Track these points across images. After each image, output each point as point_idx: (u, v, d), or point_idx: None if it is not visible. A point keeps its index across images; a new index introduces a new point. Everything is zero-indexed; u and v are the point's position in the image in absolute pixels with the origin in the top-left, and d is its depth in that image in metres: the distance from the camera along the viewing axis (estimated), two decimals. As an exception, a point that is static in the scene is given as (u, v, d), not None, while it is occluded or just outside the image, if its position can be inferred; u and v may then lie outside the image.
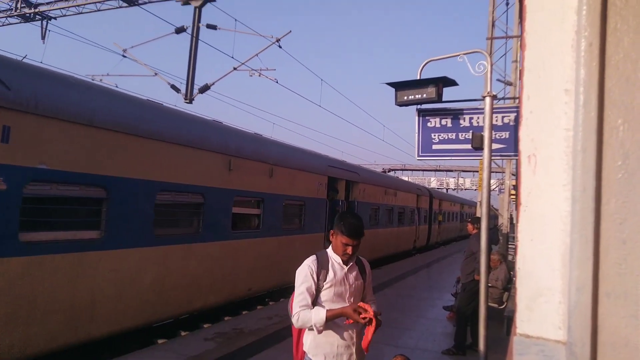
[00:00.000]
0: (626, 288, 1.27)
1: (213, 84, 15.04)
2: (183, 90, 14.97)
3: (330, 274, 3.05)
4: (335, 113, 23.05)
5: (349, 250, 3.03)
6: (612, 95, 1.26)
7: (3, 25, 18.00)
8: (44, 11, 16.73)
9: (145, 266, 6.69)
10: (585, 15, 1.25)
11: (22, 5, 16.82)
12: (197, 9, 14.62)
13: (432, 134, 6.76)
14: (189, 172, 7.54)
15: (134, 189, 6.51)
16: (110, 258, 6.12)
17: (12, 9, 16.99)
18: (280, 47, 14.17)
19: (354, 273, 3.17)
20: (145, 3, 15.32)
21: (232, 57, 14.20)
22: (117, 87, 14.37)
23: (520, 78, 1.42)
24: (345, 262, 3.11)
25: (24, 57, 8.65)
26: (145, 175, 6.71)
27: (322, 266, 3.07)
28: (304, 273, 3.05)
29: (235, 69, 14.88)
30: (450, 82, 6.04)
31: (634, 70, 1.24)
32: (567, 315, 1.32)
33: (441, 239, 30.02)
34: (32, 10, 16.79)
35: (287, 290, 10.04)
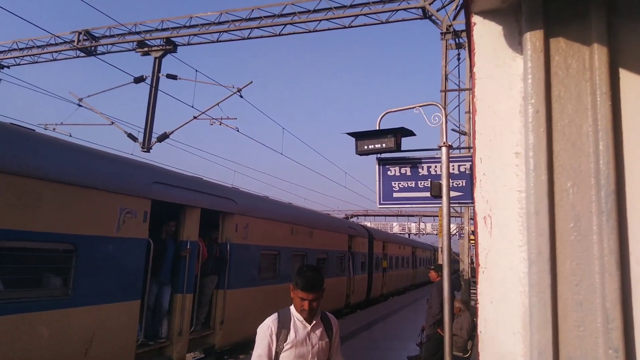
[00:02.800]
0: (586, 351, 1.27)
1: (172, 132, 14.91)
2: (140, 138, 14.74)
3: (292, 334, 2.89)
4: (297, 161, 23.06)
5: (306, 305, 2.89)
6: (560, 160, 1.30)
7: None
8: (-3, 59, 16.37)
9: None
10: (531, 83, 1.30)
11: (-26, 54, 16.42)
12: (157, 60, 14.68)
13: (393, 182, 6.87)
14: None
15: None
16: None
17: (-37, 56, 16.56)
18: (241, 96, 14.32)
19: (318, 331, 3.00)
20: (103, 53, 15.27)
21: (192, 107, 14.21)
22: (70, 136, 13.98)
23: (473, 141, 1.45)
24: (308, 320, 2.95)
25: None
26: None
27: (283, 325, 2.91)
28: (262, 335, 2.90)
29: (195, 117, 14.85)
30: (408, 133, 6.21)
31: (579, 135, 1.29)
32: (531, 381, 1.29)
33: (388, 290, 23.90)
34: (-16, 59, 16.39)
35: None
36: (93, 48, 15.35)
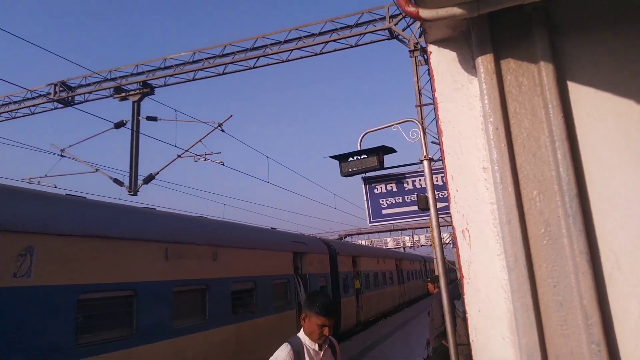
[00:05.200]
0: (571, 348, 1.33)
1: (157, 173, 14.92)
2: (127, 182, 14.71)
3: None
4: (283, 187, 23.14)
5: (326, 331, 2.91)
6: (524, 170, 1.39)
7: None
8: (-26, 119, 16.30)
9: None
10: (488, 103, 1.40)
11: (-50, 115, 16.35)
12: (136, 103, 14.78)
13: (380, 200, 6.97)
14: None
15: None
16: None
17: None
18: (223, 130, 14.43)
19: (328, 357, 3.06)
20: (81, 102, 15.34)
21: (175, 146, 14.26)
22: (56, 187, 13.90)
23: (442, 161, 1.54)
24: (320, 347, 2.98)
25: None
26: None
27: (298, 355, 2.92)
28: None
29: (179, 156, 14.90)
30: (389, 150, 6.33)
31: (538, 146, 1.38)
32: (524, 384, 1.35)
33: (367, 316, 18.81)
34: (-39, 119, 16.32)
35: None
36: (70, 98, 15.42)
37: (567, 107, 1.37)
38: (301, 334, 3.02)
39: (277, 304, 10.88)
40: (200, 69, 14.58)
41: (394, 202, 6.80)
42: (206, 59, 14.40)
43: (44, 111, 15.97)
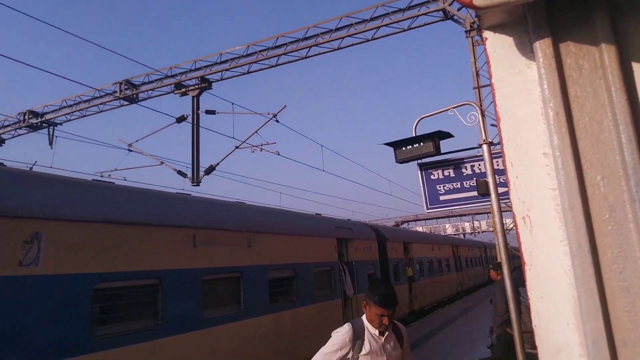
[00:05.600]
0: (639, 334, 1.31)
1: (217, 164, 15.48)
2: (189, 174, 15.39)
3: (366, 346, 2.99)
4: (339, 175, 23.21)
5: (385, 320, 2.98)
6: (587, 155, 1.37)
7: (12, 137, 18.89)
8: (50, 119, 17.62)
9: None
10: (547, 88, 1.38)
11: (30, 117, 17.75)
12: (195, 98, 15.37)
13: (437, 186, 6.88)
14: None
15: None
16: None
17: (20, 121, 17.91)
18: (277, 121, 14.72)
19: (392, 343, 3.11)
20: (144, 99, 16.15)
21: (233, 138, 14.73)
22: (125, 180, 14.84)
23: (501, 147, 1.54)
24: (382, 333, 3.06)
25: (33, 165, 8.96)
26: None
27: (358, 336, 3.01)
28: (336, 340, 3.00)
29: (237, 147, 15.37)
30: (446, 135, 6.22)
31: (601, 130, 1.35)
32: (589, 369, 1.35)
33: (422, 304, 18.44)
34: (39, 120, 17.68)
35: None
36: (135, 96, 16.28)
37: (631, 90, 1.32)
38: (364, 318, 3.12)
39: (320, 293, 10.46)
40: (254, 62, 14.90)
41: (451, 187, 6.69)
42: (259, 51, 14.69)
43: (111, 109, 17.00)
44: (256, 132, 15.04)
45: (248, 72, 15.36)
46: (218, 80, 15.83)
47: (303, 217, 11.99)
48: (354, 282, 12.05)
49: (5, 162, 6.56)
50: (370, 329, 3.05)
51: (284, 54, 14.70)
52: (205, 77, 15.68)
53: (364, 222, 15.31)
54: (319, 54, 14.62)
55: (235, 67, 15.23)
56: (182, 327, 6.51)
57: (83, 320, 5.23)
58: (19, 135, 18.57)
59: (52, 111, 17.83)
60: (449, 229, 58.72)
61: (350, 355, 2.97)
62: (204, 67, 15.61)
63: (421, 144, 6.25)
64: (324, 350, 3.00)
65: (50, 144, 17.64)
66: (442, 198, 6.87)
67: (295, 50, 14.52)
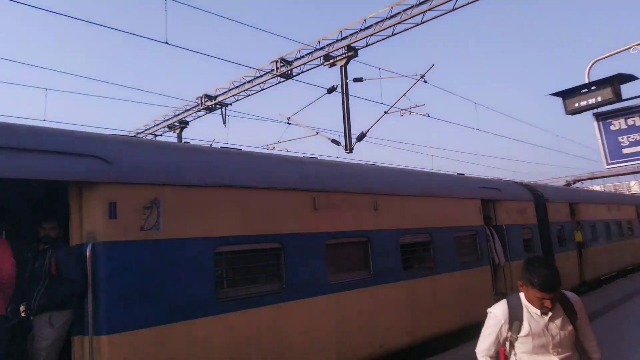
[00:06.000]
0: None
1: (368, 130, 15.70)
2: (342, 142, 15.95)
3: (525, 326, 2.69)
4: (495, 133, 21.67)
5: (547, 304, 2.63)
6: None
7: (194, 120, 21.77)
8: (222, 100, 19.78)
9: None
10: None
11: (205, 100, 20.17)
12: (343, 68, 15.69)
13: (619, 137, 6.07)
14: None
15: None
16: None
17: (198, 104, 20.50)
18: (425, 82, 14.24)
19: (558, 321, 2.71)
20: (298, 74, 17.04)
21: (382, 103, 14.73)
22: (287, 151, 16.08)
23: None
24: (544, 313, 2.70)
25: (212, 142, 10.18)
26: None
27: (514, 317, 2.71)
28: (489, 324, 2.83)
29: (386, 112, 15.35)
30: (628, 78, 5.39)
31: None
32: None
33: (595, 274, 16.04)
34: (213, 102, 19.98)
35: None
36: (289, 72, 17.28)
37: None
38: (522, 295, 2.79)
39: (463, 259, 9.67)
40: (399, 23, 14.51)
41: (637, 139, 5.79)
42: (404, 10, 14.24)
43: (270, 86, 18.35)
44: (404, 95, 14.78)
45: (393, 35, 15.01)
46: (364, 47, 15.83)
47: (439, 177, 11.07)
48: (505, 248, 11.01)
49: (191, 141, 7.60)
50: (530, 308, 2.73)
51: (429, 9, 13.98)
52: (351, 45, 15.80)
53: (518, 181, 13.74)
54: (467, 4, 13.56)
55: (380, 31, 15.01)
56: (306, 291, 6.42)
57: (207, 282, 5.33)
58: (199, 117, 21.30)
59: (222, 93, 19.95)
60: (634, 186, 50.64)
61: (508, 335, 2.74)
62: (349, 35, 15.75)
63: (597, 90, 5.53)
64: (483, 332, 2.87)
65: (224, 122, 19.87)
66: (625, 151, 6.03)
67: (441, 4, 13.70)
